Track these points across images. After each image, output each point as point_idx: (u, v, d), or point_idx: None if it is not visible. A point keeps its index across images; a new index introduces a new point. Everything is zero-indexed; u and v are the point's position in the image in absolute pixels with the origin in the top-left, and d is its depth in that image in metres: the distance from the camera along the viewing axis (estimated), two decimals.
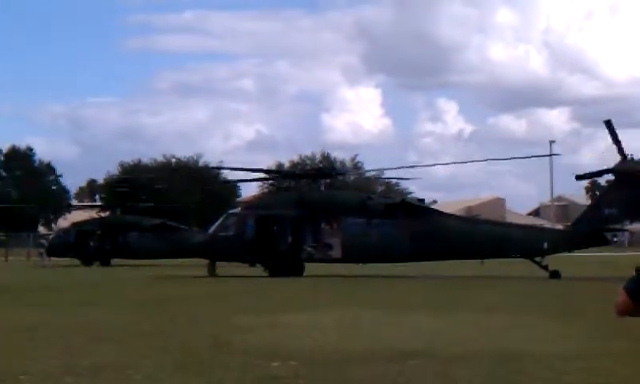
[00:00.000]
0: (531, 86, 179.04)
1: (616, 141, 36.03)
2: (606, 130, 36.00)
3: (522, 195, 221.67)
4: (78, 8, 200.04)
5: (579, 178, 38.82)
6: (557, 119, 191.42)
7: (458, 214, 60.14)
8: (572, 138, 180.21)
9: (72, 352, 13.02)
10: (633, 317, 4.39)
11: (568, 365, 11.51)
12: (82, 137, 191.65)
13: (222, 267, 42.06)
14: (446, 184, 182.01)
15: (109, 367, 11.57)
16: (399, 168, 54.01)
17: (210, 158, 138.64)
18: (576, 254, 44.91)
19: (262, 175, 56.75)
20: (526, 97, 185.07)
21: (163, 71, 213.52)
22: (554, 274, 35.78)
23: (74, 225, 70.10)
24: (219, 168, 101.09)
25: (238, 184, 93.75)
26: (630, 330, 15.85)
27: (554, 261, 37.43)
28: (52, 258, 64.38)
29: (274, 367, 11.46)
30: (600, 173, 39.32)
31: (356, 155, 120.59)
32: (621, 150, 36.06)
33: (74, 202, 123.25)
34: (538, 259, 37.39)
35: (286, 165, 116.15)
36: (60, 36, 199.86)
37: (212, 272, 41.33)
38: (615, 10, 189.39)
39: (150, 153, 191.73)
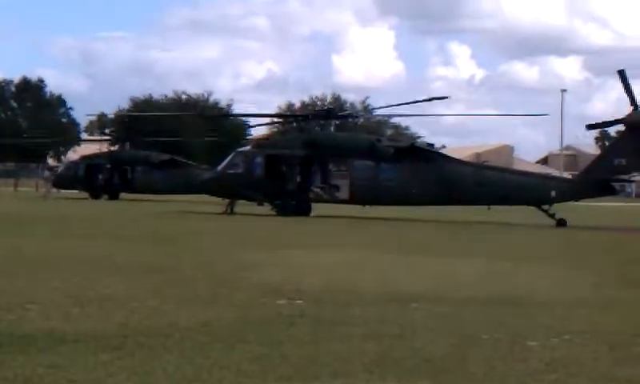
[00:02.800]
0: (544, 33, 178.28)
1: (628, 91, 35.93)
2: (619, 80, 35.88)
3: (531, 143, 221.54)
4: None
5: (590, 127, 38.74)
6: (568, 68, 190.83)
7: (466, 159, 60.09)
8: (583, 87, 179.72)
9: (78, 283, 13.10)
10: None
11: (571, 312, 11.56)
12: (92, 71, 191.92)
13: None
14: (455, 129, 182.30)
15: (114, 299, 11.65)
16: (409, 115, 53.77)
17: (221, 96, 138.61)
18: (583, 203, 44.90)
19: (272, 119, 56.67)
20: (538, 44, 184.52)
21: (175, 7, 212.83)
22: (561, 223, 35.81)
23: (83, 158, 70.20)
24: (229, 115, 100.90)
25: (248, 123, 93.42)
26: (635, 279, 15.91)
27: (561, 209, 37.44)
28: (60, 190, 64.61)
29: (279, 305, 11.51)
30: (611, 123, 39.21)
31: (367, 98, 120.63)
32: (633, 101, 35.97)
33: (84, 136, 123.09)
34: (545, 207, 37.39)
35: (297, 105, 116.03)
36: None
37: (229, 210, 41.18)
38: None
39: (160, 89, 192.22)
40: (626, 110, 36.61)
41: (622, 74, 35.80)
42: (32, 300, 11.28)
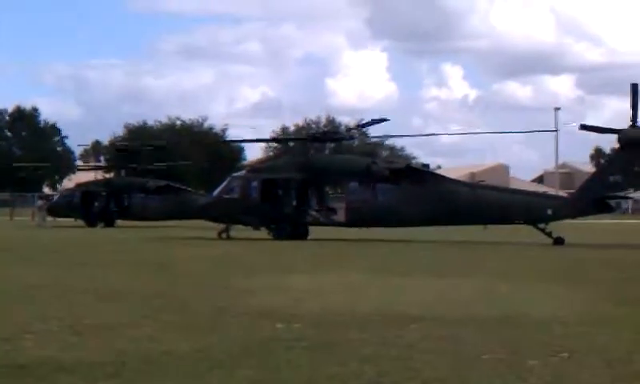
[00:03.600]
0: (536, 52, 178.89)
1: (634, 106, 35.72)
2: (630, 93, 35.58)
3: (526, 162, 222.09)
4: None
5: (583, 127, 38.45)
6: (562, 86, 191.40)
7: (461, 179, 60.11)
8: (576, 104, 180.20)
9: (74, 311, 13.06)
10: None
11: (569, 330, 11.54)
12: (86, 98, 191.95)
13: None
14: (450, 150, 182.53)
15: (111, 327, 11.60)
16: (403, 136, 53.85)
17: (215, 121, 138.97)
18: (580, 220, 44.90)
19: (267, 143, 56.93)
20: (531, 63, 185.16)
21: (168, 33, 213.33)
22: (558, 241, 35.80)
23: (79, 186, 70.17)
24: (225, 141, 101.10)
25: (243, 147, 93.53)
26: (632, 296, 15.90)
27: (558, 227, 37.43)
28: (56, 219, 64.59)
29: (277, 329, 11.48)
30: (605, 130, 38.69)
31: (361, 120, 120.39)
32: (634, 117, 35.80)
33: (79, 163, 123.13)
34: (541, 226, 37.38)
35: (291, 128, 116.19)
36: None
37: (225, 236, 41.21)
38: None
39: (155, 115, 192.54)
40: (622, 125, 36.53)
41: (634, 88, 35.58)
42: (28, 329, 11.24)
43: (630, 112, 35.72)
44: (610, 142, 41.10)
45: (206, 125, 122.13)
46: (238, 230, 42.12)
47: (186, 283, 17.83)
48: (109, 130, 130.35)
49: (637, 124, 35.87)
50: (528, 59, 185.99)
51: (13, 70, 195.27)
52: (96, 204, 63.82)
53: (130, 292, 15.90)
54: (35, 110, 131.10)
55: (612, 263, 25.13)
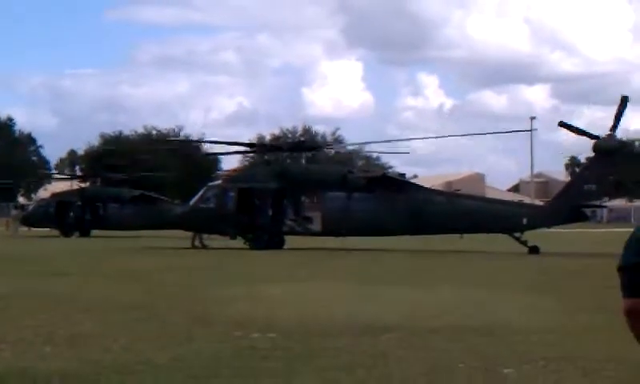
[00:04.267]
0: (511, 61, 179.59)
1: (617, 117, 35.87)
2: (619, 104, 35.75)
3: (502, 171, 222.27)
4: None
5: (561, 124, 38.51)
6: (537, 95, 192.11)
7: (437, 188, 60.22)
8: (552, 114, 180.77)
9: (49, 321, 13.02)
10: None
11: (544, 338, 11.58)
12: (62, 108, 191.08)
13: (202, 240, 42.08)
14: (426, 159, 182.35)
15: (86, 337, 11.58)
16: (381, 141, 53.87)
17: (191, 130, 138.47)
18: (555, 229, 45.06)
19: (242, 148, 56.71)
20: (506, 73, 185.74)
21: (144, 43, 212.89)
22: (533, 250, 35.91)
23: (54, 195, 69.85)
24: (199, 141, 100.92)
25: (219, 156, 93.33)
26: (608, 305, 15.97)
27: (533, 236, 37.55)
28: (31, 228, 64.29)
29: (253, 339, 11.48)
30: (583, 132, 38.69)
31: (337, 129, 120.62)
32: (615, 128, 35.97)
33: (54, 173, 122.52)
34: (517, 234, 37.49)
35: (268, 138, 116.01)
36: (41, 7, 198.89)
37: (198, 244, 41.34)
38: None
39: (131, 125, 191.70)
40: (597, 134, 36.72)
41: (623, 101, 35.76)
42: (3, 339, 11.19)
43: (608, 121, 35.88)
44: (585, 151, 41.39)
45: (182, 134, 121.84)
46: (213, 240, 42.05)
47: (161, 293, 17.79)
48: (84, 140, 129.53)
49: (615, 133, 36.05)
50: (503, 69, 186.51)
51: None
52: (71, 214, 63.54)
53: (105, 302, 15.86)
54: (10, 119, 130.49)
55: (588, 272, 25.24)
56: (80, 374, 8.96)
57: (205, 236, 42.11)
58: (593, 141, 36.55)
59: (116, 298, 16.58)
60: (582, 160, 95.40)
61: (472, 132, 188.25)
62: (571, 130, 37.77)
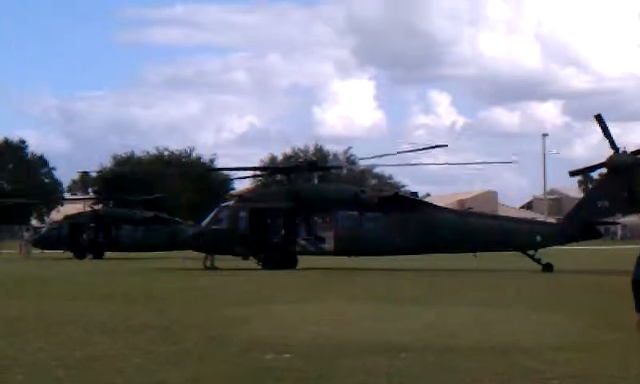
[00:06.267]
0: (523, 79, 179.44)
1: (607, 135, 36.06)
2: (597, 125, 36.04)
3: (515, 188, 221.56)
4: (70, 1, 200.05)
5: (573, 173, 38.69)
6: (549, 112, 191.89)
7: (450, 207, 60.16)
8: (564, 131, 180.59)
9: (63, 344, 13.02)
10: None
11: (558, 356, 11.55)
12: (73, 130, 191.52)
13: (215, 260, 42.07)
14: (438, 177, 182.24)
15: (100, 359, 11.57)
16: (391, 164, 53.81)
17: (203, 151, 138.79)
18: (569, 247, 44.93)
19: (255, 173, 56.84)
20: (518, 90, 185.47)
21: (154, 64, 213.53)
22: (547, 267, 35.81)
23: (67, 218, 69.98)
24: (213, 170, 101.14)
25: (231, 177, 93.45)
26: (621, 322, 15.90)
27: (547, 254, 37.45)
28: (44, 251, 64.40)
29: (267, 360, 11.46)
30: (593, 168, 39.10)
31: (349, 148, 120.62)
32: (612, 144, 36.11)
33: (67, 195, 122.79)
34: (530, 252, 37.40)
35: (279, 157, 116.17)
36: (52, 30, 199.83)
37: (210, 265, 41.42)
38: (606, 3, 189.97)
39: (142, 146, 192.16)
40: (607, 152, 36.75)
41: (599, 119, 35.98)
42: (17, 362, 11.20)
43: (622, 137, 35.98)
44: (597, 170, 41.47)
45: (193, 155, 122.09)
46: (225, 260, 42.04)
47: (174, 314, 17.78)
48: (96, 162, 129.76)
49: (617, 149, 36.07)
50: (515, 86, 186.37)
51: None
52: (84, 236, 63.61)
53: (119, 324, 15.86)
54: (22, 142, 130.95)
55: (601, 289, 25.16)
56: None
57: (216, 257, 42.10)
58: (608, 156, 36.49)
59: (131, 320, 16.58)
60: (596, 176, 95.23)
61: (484, 150, 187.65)
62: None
